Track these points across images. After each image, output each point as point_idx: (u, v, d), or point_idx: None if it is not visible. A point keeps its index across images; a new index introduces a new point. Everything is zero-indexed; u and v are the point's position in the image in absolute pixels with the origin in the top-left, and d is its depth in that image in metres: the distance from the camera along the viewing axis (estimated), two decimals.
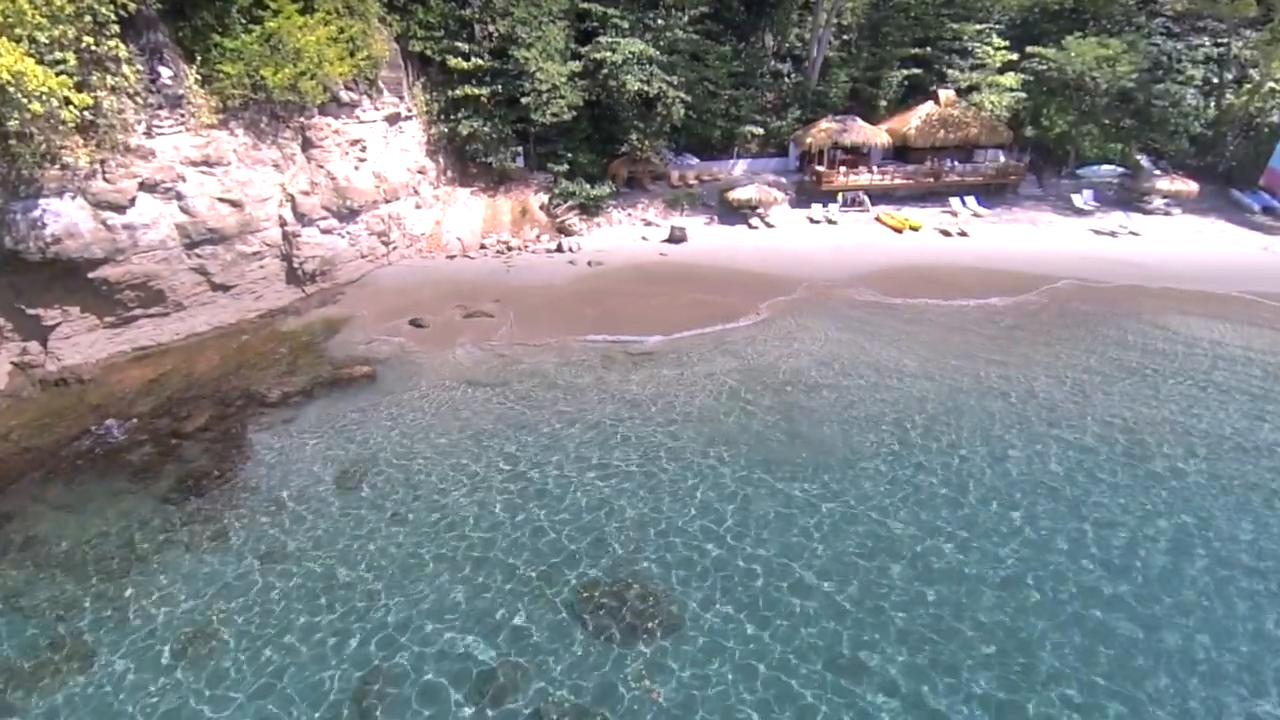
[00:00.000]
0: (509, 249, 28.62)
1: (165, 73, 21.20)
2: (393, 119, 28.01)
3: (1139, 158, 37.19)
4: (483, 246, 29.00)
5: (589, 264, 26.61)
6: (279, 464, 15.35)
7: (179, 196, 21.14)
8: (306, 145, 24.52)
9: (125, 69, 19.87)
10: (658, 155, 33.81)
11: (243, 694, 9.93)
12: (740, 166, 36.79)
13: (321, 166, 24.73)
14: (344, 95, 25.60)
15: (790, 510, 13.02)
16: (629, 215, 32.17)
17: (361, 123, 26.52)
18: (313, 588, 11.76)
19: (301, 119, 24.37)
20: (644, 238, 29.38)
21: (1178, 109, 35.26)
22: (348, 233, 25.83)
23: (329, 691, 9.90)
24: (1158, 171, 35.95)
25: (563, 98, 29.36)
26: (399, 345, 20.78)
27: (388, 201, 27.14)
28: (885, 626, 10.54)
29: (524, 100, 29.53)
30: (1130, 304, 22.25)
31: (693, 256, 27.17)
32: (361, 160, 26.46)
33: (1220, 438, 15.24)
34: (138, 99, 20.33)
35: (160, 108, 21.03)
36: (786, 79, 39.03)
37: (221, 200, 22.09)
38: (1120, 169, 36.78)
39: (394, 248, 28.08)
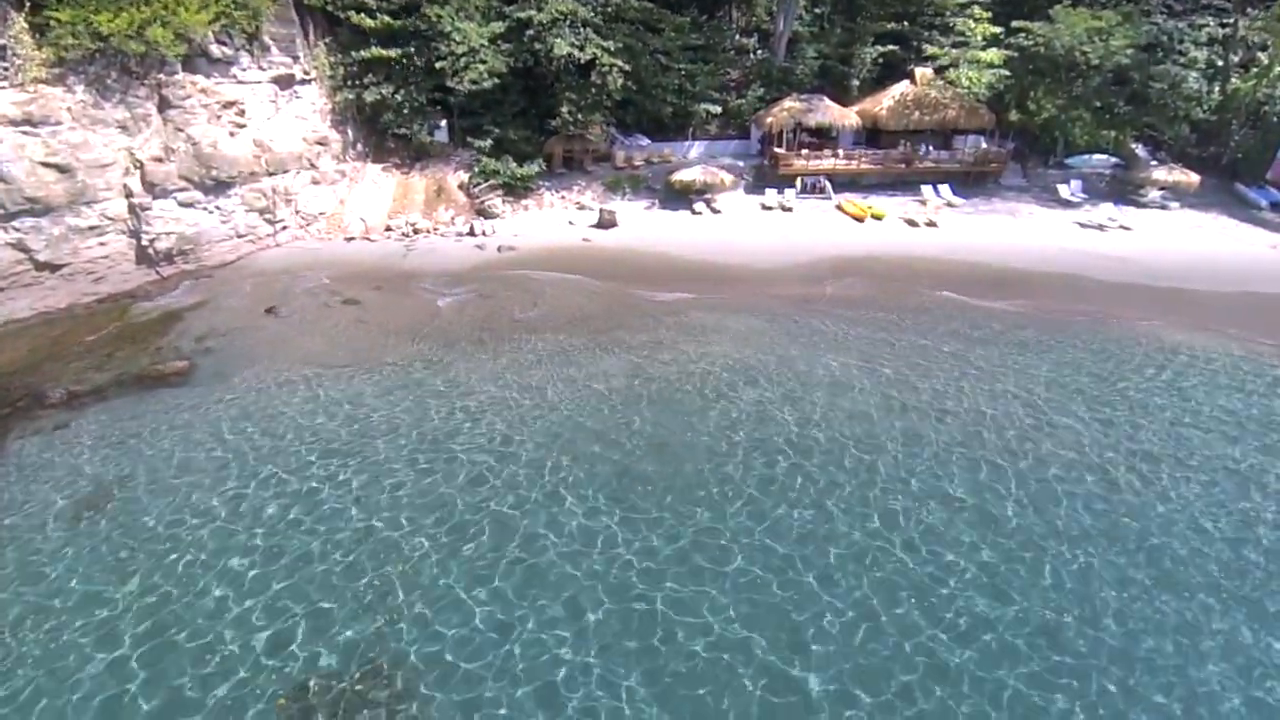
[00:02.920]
0: (415, 232, 25.31)
1: None
2: (284, 81, 24.69)
3: (1134, 147, 33.82)
4: (388, 229, 25.69)
5: (499, 249, 23.29)
6: (15, 483, 12.06)
7: None
8: (164, 105, 21.22)
9: None
10: (603, 133, 30.46)
11: None
12: (696, 149, 33.42)
13: (181, 130, 21.43)
14: (215, 50, 22.29)
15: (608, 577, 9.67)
16: (562, 198, 28.84)
17: (240, 83, 23.20)
18: None
19: (160, 75, 21.10)
20: (570, 222, 26.06)
21: (1177, 92, 31.81)
22: (217, 208, 22.53)
23: None
24: (1154, 162, 32.63)
25: (483, 63, 26.04)
26: (238, 336, 17.50)
27: (272, 174, 23.84)
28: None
29: (439, 65, 26.24)
30: (1109, 303, 18.80)
31: (619, 243, 23.85)
32: (238, 126, 23.16)
33: (1164, 460, 11.90)
34: None
35: None
36: (752, 55, 35.67)
37: (46, 165, 18.81)
38: (1113, 159, 33.38)
39: (283, 227, 24.77)
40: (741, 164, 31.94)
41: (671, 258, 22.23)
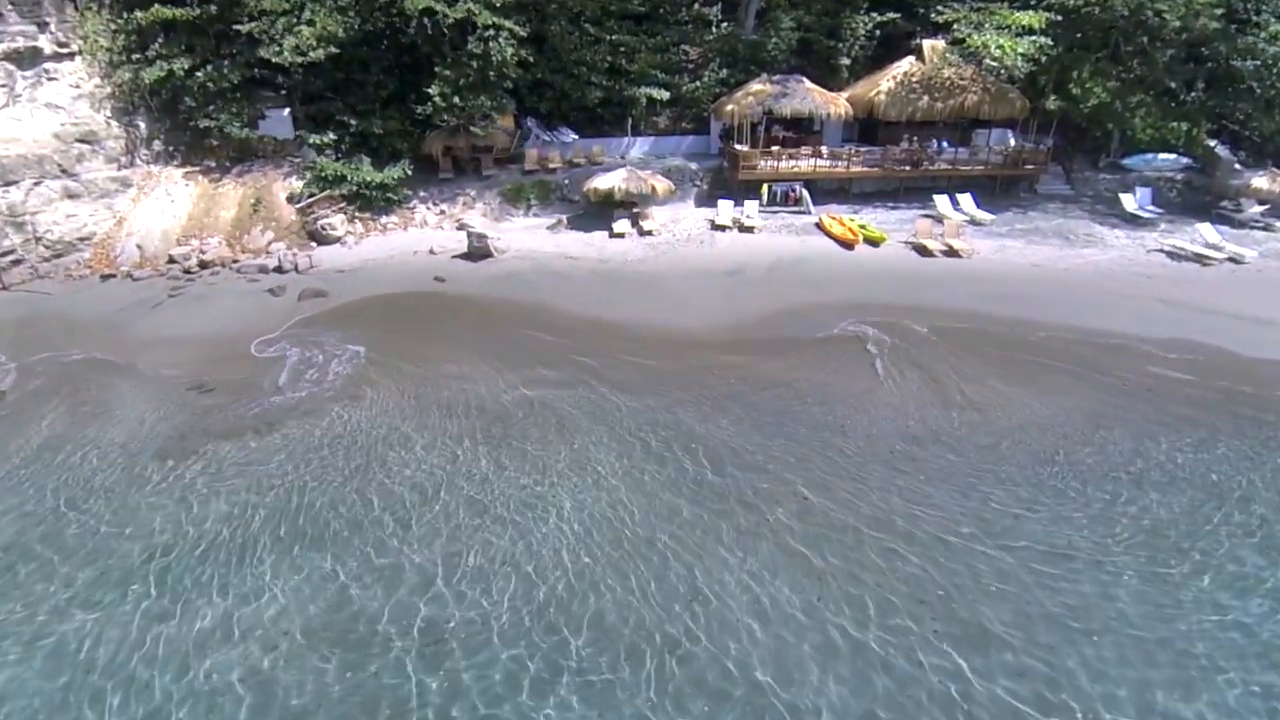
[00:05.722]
0: (203, 265, 17.63)
1: None
2: (24, 58, 17.26)
3: (1211, 143, 26.01)
4: (171, 260, 18.03)
5: (300, 297, 15.55)
6: None
7: None
8: None
9: None
10: (496, 125, 22.65)
11: None
12: (638, 146, 25.77)
13: None
14: None
15: None
16: (441, 214, 21.17)
17: None
18: None
19: None
20: (432, 250, 18.32)
21: (1274, 71, 23.96)
22: None
23: None
24: (1237, 164, 24.87)
25: (310, 24, 18.43)
26: None
27: None
28: None
29: (247, 28, 18.68)
30: None
31: (485, 285, 16.08)
32: None
33: None
34: None
35: None
36: (714, 28, 27.93)
37: None
38: (1184, 160, 25.56)
39: (12, 261, 17.18)
40: (695, 166, 24.29)
41: (551, 311, 14.46)
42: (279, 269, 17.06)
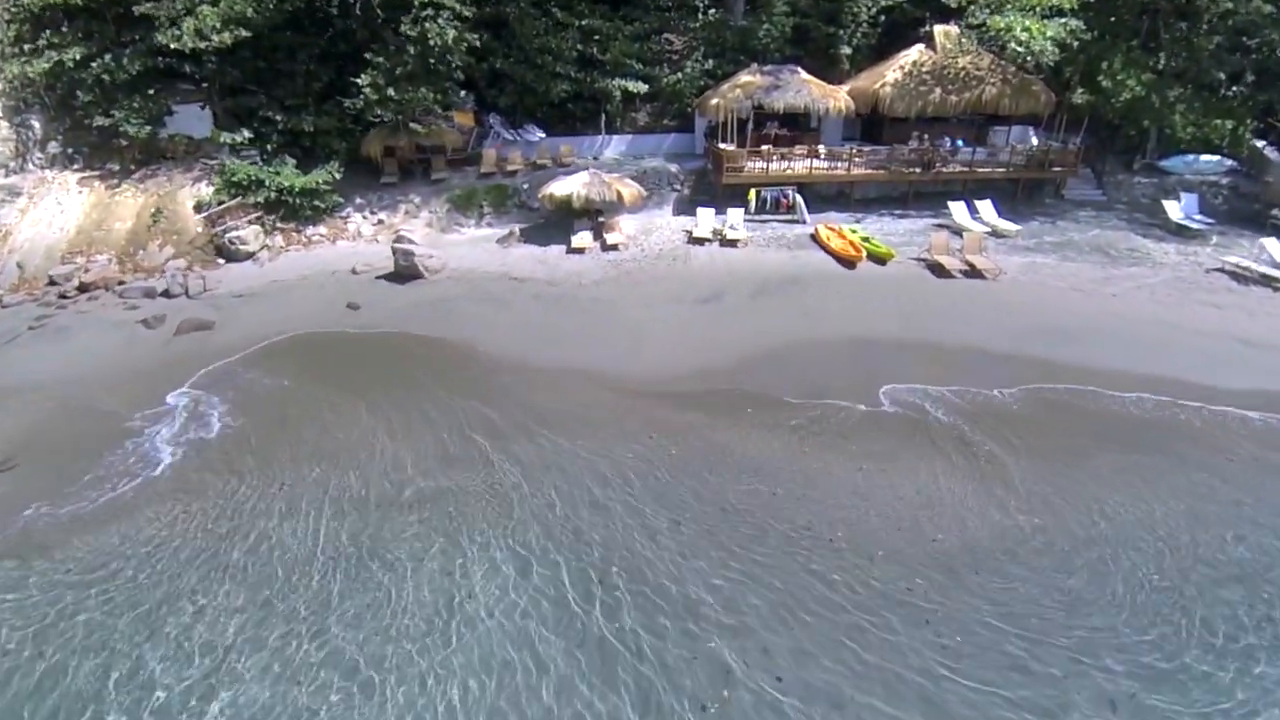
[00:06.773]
0: (81, 289, 14.88)
1: None
2: None
3: (1259, 144, 23.09)
4: (52, 281, 15.33)
5: (178, 330, 12.82)
6: None
7: None
8: None
9: None
10: (478, 123, 20.00)
11: None
12: (613, 146, 23.02)
13: None
14: None
15: None
16: (378, 224, 18.42)
17: None
18: None
19: None
20: (354, 269, 15.55)
21: None
22: None
23: None
24: None
25: (213, 3, 15.71)
26: None
27: None
28: None
29: (141, 10, 15.98)
30: None
31: (404, 316, 13.20)
32: None
33: None
34: None
35: None
36: (701, 14, 25.13)
37: None
38: (1228, 161, 22.65)
39: None
40: (676, 168, 21.52)
41: (473, 354, 11.67)
42: (166, 293, 14.30)
